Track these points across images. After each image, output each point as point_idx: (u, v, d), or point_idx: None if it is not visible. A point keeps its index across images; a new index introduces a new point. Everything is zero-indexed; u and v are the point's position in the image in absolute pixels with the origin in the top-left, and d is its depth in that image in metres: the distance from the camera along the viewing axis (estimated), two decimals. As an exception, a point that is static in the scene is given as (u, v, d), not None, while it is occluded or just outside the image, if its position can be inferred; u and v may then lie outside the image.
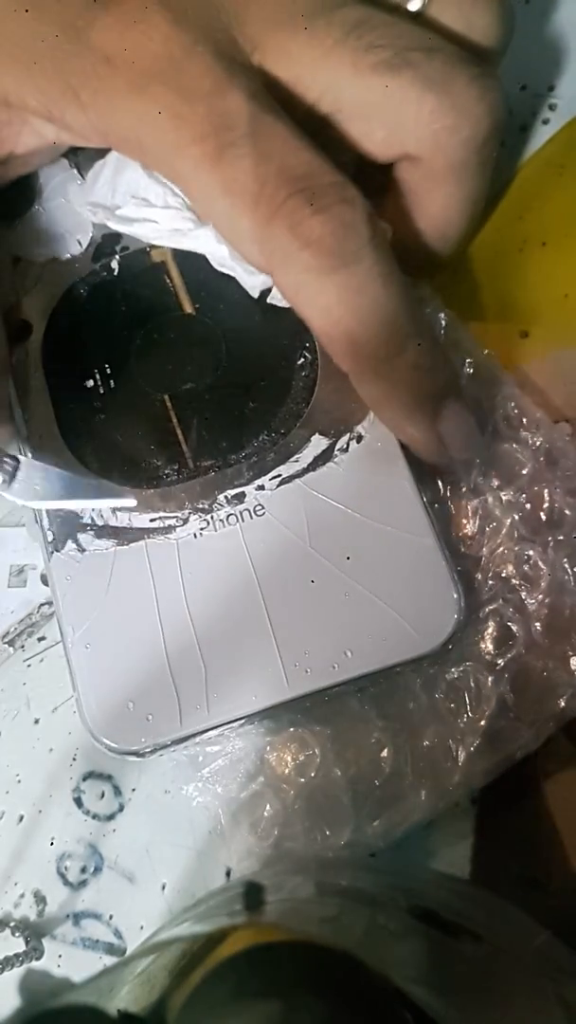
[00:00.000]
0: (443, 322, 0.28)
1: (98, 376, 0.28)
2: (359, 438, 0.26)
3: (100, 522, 0.26)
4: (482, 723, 0.25)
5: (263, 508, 0.26)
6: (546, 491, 0.26)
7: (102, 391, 0.28)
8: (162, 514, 0.26)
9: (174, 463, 0.27)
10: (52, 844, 0.28)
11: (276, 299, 0.27)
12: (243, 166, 0.23)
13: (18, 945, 0.27)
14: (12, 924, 0.27)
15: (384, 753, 0.25)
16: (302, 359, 0.27)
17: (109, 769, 0.28)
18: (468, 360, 0.27)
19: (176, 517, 0.26)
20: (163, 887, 0.27)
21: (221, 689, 0.24)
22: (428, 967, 0.20)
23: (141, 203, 0.27)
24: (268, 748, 0.26)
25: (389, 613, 0.24)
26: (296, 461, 0.26)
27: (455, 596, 0.24)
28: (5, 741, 0.29)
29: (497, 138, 0.25)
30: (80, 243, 0.29)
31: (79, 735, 0.28)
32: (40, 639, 0.29)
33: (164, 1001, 0.20)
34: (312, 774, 0.25)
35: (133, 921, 0.27)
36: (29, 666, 0.29)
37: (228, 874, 0.27)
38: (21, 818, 0.28)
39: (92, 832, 0.28)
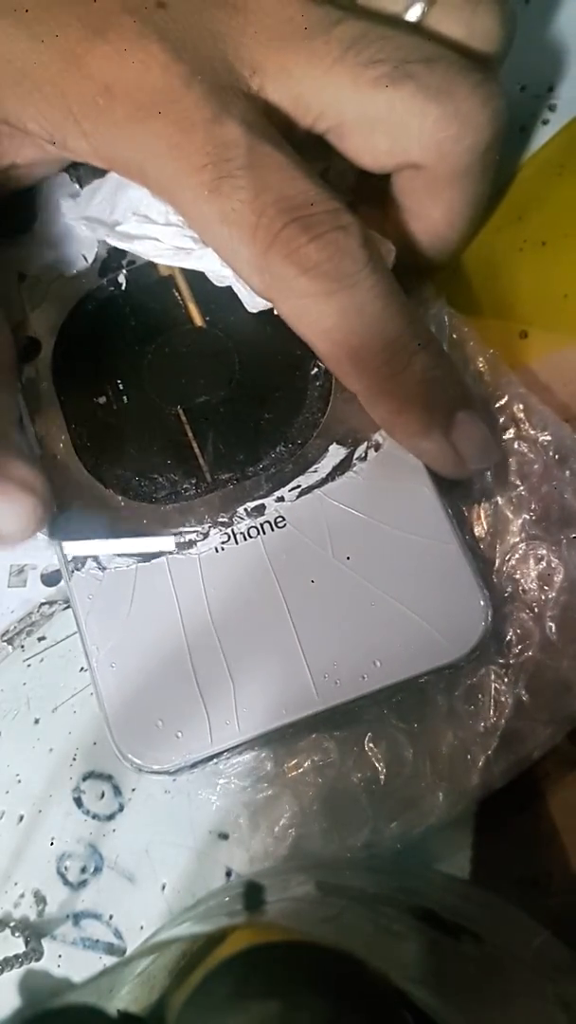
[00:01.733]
0: (447, 322, 0.28)
1: (110, 392, 0.28)
2: (377, 446, 0.26)
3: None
4: (499, 724, 0.25)
5: (284, 520, 0.26)
6: (556, 489, 0.26)
7: (115, 407, 0.28)
8: (182, 529, 0.26)
9: (192, 477, 0.27)
10: (52, 844, 0.28)
11: None
12: (240, 197, 0.23)
13: (18, 945, 0.27)
14: (12, 924, 0.27)
15: (402, 755, 0.25)
16: (316, 368, 0.27)
17: (109, 769, 0.28)
18: (476, 359, 0.27)
19: (196, 532, 0.26)
20: (163, 887, 0.27)
21: (250, 704, 0.24)
22: (428, 967, 0.20)
23: (142, 220, 0.27)
24: (286, 750, 0.26)
25: (416, 621, 0.24)
26: (315, 471, 0.26)
27: (482, 602, 0.24)
28: (5, 741, 0.29)
29: (499, 143, 0.25)
30: (86, 258, 0.29)
31: (79, 735, 0.28)
32: (40, 639, 0.29)
33: (164, 1001, 0.20)
34: (330, 776, 0.25)
35: (133, 921, 0.27)
36: (29, 666, 0.29)
37: (228, 874, 0.27)
38: (21, 818, 0.28)
39: (92, 832, 0.28)
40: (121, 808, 0.28)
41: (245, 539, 0.26)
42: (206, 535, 0.26)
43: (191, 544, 0.26)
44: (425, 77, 0.23)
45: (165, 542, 0.26)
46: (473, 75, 0.24)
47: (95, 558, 0.26)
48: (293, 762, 0.26)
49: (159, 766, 0.24)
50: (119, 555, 0.26)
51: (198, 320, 0.28)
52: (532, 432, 0.26)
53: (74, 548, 0.26)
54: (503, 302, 0.29)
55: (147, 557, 0.26)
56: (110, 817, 0.28)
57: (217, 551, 0.26)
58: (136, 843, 0.27)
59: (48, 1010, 0.20)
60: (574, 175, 0.29)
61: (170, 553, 0.26)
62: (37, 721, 0.29)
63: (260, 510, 0.26)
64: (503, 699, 0.25)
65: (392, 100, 0.23)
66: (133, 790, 0.28)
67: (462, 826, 0.26)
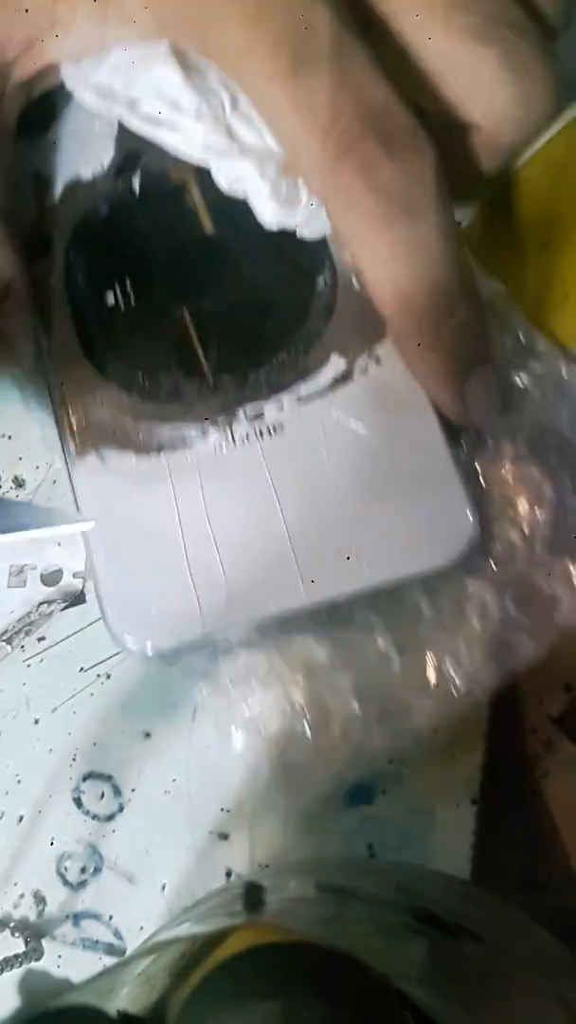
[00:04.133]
0: None
1: (118, 292, 0.28)
2: (378, 360, 0.27)
3: (121, 434, 0.27)
4: (486, 634, 0.26)
5: (282, 426, 0.26)
6: (553, 417, 0.27)
7: (122, 307, 0.28)
8: (182, 426, 0.27)
9: (194, 378, 0.27)
10: (52, 844, 0.28)
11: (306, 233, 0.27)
12: (319, 88, 0.21)
13: (18, 945, 0.27)
14: (12, 924, 0.27)
15: (390, 661, 0.26)
16: (322, 280, 0.28)
17: (109, 769, 0.28)
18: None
19: (196, 431, 0.27)
20: (163, 887, 0.27)
21: (241, 594, 0.25)
22: (428, 967, 0.20)
23: (170, 106, 0.25)
24: (279, 654, 0.26)
25: (405, 528, 0.25)
26: (315, 380, 0.27)
27: (469, 513, 0.25)
28: (5, 741, 0.28)
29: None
30: (103, 163, 0.29)
31: (79, 735, 0.28)
32: (40, 639, 0.29)
33: (164, 1001, 0.20)
34: (319, 682, 0.26)
35: (133, 921, 0.27)
36: (29, 666, 0.29)
37: (228, 874, 0.27)
38: (21, 818, 0.28)
39: (92, 832, 0.28)
40: (121, 808, 0.28)
41: (243, 442, 0.26)
42: (205, 434, 0.27)
43: (190, 442, 0.27)
44: (511, 46, 0.22)
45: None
46: (548, 59, 0.23)
47: (96, 451, 0.27)
48: (284, 666, 0.26)
49: (154, 647, 0.25)
50: (122, 449, 0.27)
51: (208, 228, 0.29)
52: (529, 362, 0.27)
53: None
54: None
55: (147, 451, 0.27)
56: (110, 817, 0.28)
57: (215, 452, 0.26)
58: (136, 843, 0.27)
59: (48, 1010, 0.20)
60: (575, 174, 0.29)
61: (168, 448, 0.26)
62: (37, 721, 0.28)
63: (259, 415, 0.27)
64: (490, 611, 0.26)
65: (474, 58, 0.22)
66: (133, 790, 0.28)
67: (462, 826, 0.26)
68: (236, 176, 0.26)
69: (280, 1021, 0.18)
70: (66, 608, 0.29)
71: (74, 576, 0.30)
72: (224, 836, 0.27)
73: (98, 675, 0.28)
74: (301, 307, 0.27)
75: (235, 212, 0.27)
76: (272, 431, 0.26)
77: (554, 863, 0.26)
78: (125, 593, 0.26)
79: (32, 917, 0.27)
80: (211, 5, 0.22)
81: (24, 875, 0.27)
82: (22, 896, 0.27)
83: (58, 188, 0.30)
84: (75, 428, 0.27)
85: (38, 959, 0.27)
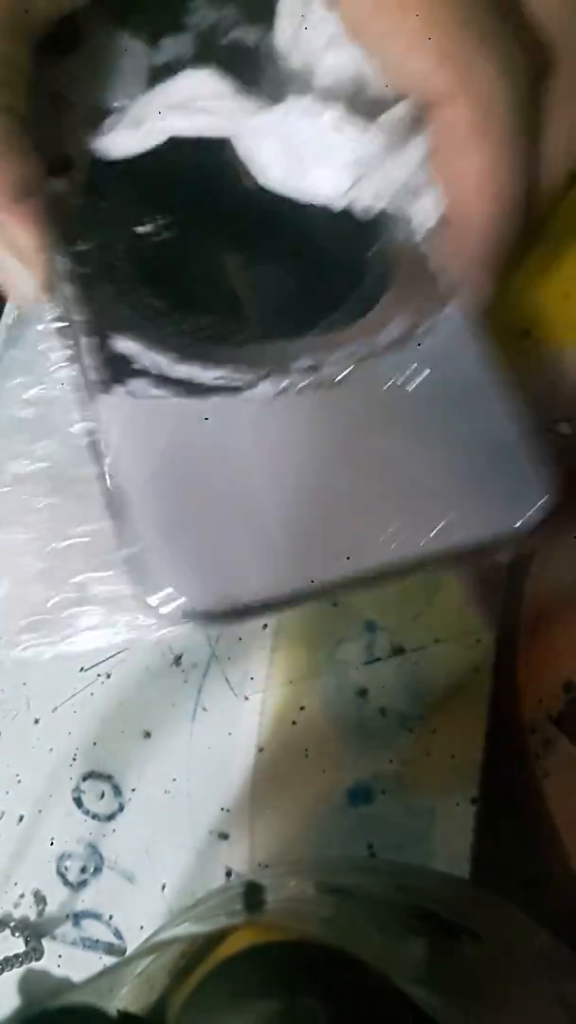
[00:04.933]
0: None
1: (151, 223, 0.26)
2: (437, 324, 0.25)
3: (156, 371, 0.24)
4: None
5: (337, 383, 0.24)
6: None
7: (155, 239, 0.25)
8: (226, 371, 0.24)
9: (241, 324, 0.25)
10: (52, 844, 0.28)
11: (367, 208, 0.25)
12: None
13: (18, 945, 0.27)
14: (12, 924, 0.27)
15: None
16: (383, 245, 0.26)
17: (109, 769, 0.28)
18: None
19: (243, 380, 0.24)
20: (163, 887, 0.27)
21: (289, 558, 0.22)
22: (428, 967, 0.20)
23: (206, 99, 0.24)
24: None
25: (468, 493, 0.23)
26: (373, 341, 0.25)
27: (538, 482, 0.23)
28: (5, 741, 0.28)
29: None
30: (131, 97, 0.27)
31: (79, 735, 0.28)
32: (40, 639, 0.29)
33: (164, 1001, 0.20)
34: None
35: (133, 921, 0.27)
36: (29, 666, 0.29)
37: (228, 874, 0.27)
38: (21, 818, 0.28)
39: (92, 832, 0.28)
40: (121, 808, 0.28)
41: (297, 395, 0.24)
42: (254, 385, 0.24)
43: (237, 391, 0.24)
44: None
45: None
46: None
47: (126, 384, 0.23)
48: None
49: (214, 605, 0.22)
50: (156, 387, 0.24)
51: (253, 183, 0.26)
52: None
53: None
54: (505, 302, 0.29)
55: (187, 395, 0.24)
56: (110, 817, 0.28)
57: (267, 402, 0.24)
58: (136, 843, 0.27)
59: (48, 1010, 0.20)
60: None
61: (213, 394, 0.24)
62: (37, 721, 0.28)
63: (314, 369, 0.24)
64: None
65: None
66: (133, 790, 0.28)
67: (462, 826, 0.26)
68: (282, 131, 0.24)
69: (280, 1020, 0.18)
70: (66, 608, 0.29)
71: (74, 576, 0.30)
72: (224, 836, 0.27)
73: (98, 675, 0.28)
74: (358, 270, 0.25)
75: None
76: (327, 385, 0.24)
77: (554, 863, 0.26)
78: (172, 545, 0.22)
79: (32, 917, 0.27)
80: None
81: (24, 875, 0.27)
82: (22, 896, 0.27)
83: (79, 111, 0.26)
84: (99, 359, 0.23)
85: (38, 959, 0.27)
